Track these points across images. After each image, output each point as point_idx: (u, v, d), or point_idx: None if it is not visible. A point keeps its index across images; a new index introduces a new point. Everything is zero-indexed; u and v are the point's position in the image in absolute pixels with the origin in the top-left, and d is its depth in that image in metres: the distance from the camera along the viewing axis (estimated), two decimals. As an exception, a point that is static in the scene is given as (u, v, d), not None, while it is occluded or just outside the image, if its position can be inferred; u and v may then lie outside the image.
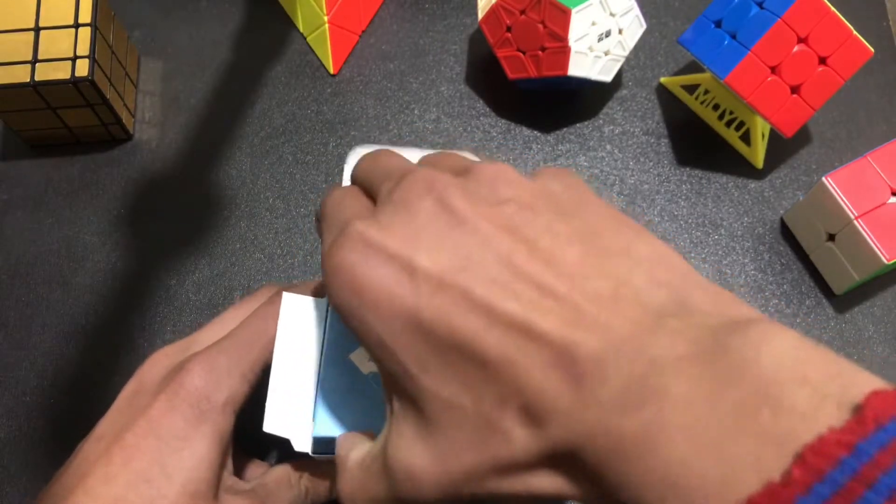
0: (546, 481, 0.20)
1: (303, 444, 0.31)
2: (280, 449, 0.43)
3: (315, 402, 0.31)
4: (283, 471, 0.35)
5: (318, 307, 0.33)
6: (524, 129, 0.52)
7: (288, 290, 0.33)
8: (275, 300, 0.33)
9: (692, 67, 0.54)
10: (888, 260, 0.43)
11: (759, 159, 0.51)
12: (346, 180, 0.32)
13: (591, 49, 0.47)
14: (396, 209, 0.24)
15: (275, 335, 0.32)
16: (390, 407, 0.24)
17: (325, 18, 0.52)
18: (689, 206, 0.50)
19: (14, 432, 0.44)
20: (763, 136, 0.50)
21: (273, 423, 0.31)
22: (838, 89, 0.47)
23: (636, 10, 0.48)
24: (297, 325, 0.32)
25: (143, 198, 0.49)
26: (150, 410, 0.30)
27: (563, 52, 0.46)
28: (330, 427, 0.30)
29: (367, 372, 0.31)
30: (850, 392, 0.17)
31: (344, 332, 0.31)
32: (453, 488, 0.21)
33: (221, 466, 0.31)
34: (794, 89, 0.46)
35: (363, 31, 0.55)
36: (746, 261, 0.49)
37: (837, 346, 0.47)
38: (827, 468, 0.15)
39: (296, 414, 0.31)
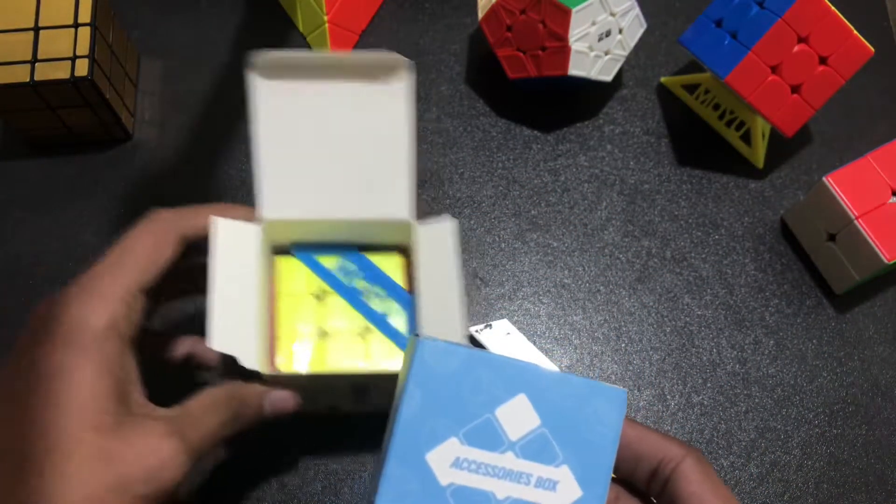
0: None
1: (250, 361, 0.30)
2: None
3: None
4: (208, 395, 0.32)
5: (250, 231, 0.34)
6: (524, 128, 0.52)
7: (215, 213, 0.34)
8: (150, 220, 0.33)
9: (693, 67, 0.54)
10: (888, 260, 0.43)
11: (759, 159, 0.51)
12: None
13: (591, 49, 0.47)
14: None
15: (150, 253, 0.32)
16: None
17: (325, 18, 0.52)
18: (689, 205, 0.50)
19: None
20: (763, 135, 0.50)
21: (218, 342, 0.30)
22: (839, 89, 0.47)
23: (636, 10, 0.48)
24: (231, 248, 0.32)
25: (143, 197, 0.49)
26: (32, 351, 0.28)
27: (564, 51, 0.46)
28: None
29: (445, 483, 0.24)
30: None
31: (425, 417, 0.24)
32: None
33: (121, 394, 0.29)
34: (795, 89, 0.46)
35: (363, 31, 0.55)
36: (747, 261, 0.49)
37: (838, 346, 0.47)
38: None
39: (239, 332, 0.30)
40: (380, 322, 0.39)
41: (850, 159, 0.46)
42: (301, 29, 0.55)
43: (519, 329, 0.46)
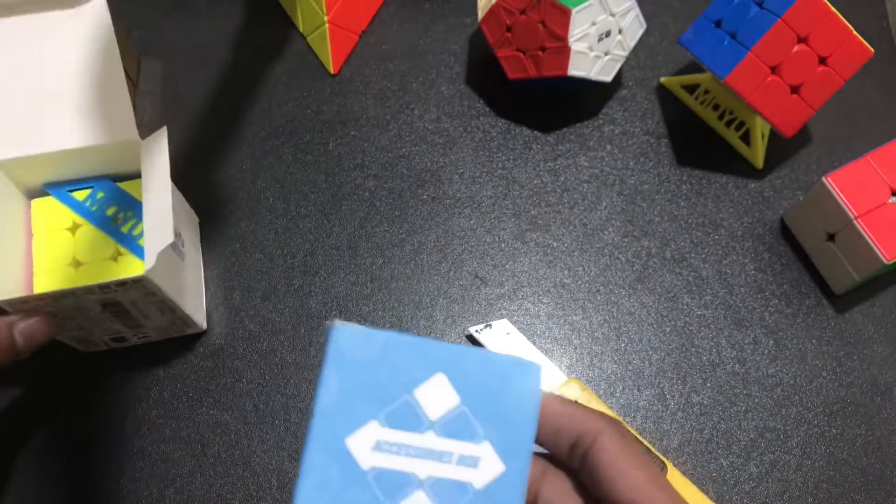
0: None
1: None
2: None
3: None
4: None
5: None
6: (524, 129, 0.52)
7: None
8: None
9: (692, 67, 0.54)
10: (888, 260, 0.43)
11: (759, 159, 0.51)
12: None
13: (591, 49, 0.47)
14: None
15: None
16: None
17: (325, 18, 0.52)
18: (689, 205, 0.50)
19: None
20: (763, 136, 0.50)
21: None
22: (838, 89, 0.47)
23: (636, 10, 0.48)
24: None
25: (144, 198, 0.49)
26: None
27: (563, 52, 0.46)
28: None
29: (367, 467, 0.24)
30: None
31: (343, 403, 0.24)
32: None
33: None
34: (794, 89, 0.46)
35: (363, 31, 0.55)
36: (746, 261, 0.49)
37: (837, 346, 0.47)
38: None
39: None
40: (131, 244, 0.43)
41: (850, 159, 0.46)
42: (301, 29, 0.55)
43: (519, 329, 0.46)
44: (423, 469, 0.24)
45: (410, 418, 0.24)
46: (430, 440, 0.24)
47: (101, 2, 0.40)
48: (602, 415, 0.26)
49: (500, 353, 0.25)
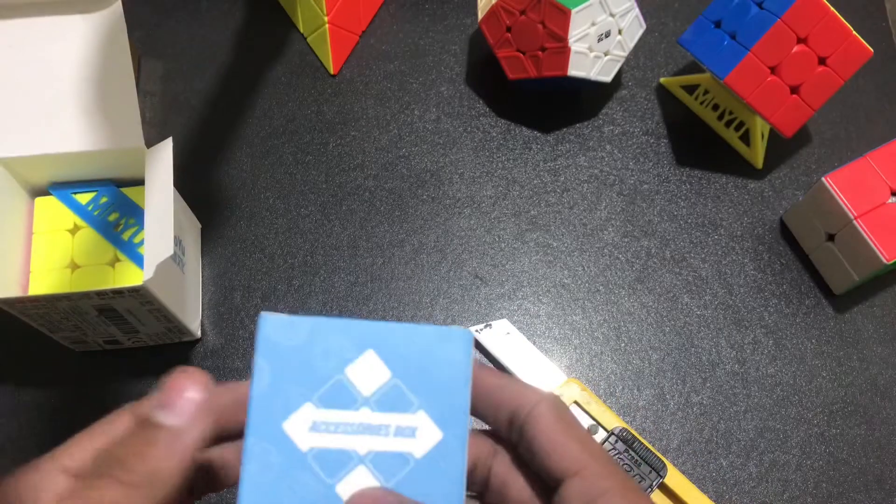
0: None
1: None
2: None
3: (240, 488, 0.24)
4: None
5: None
6: (524, 129, 0.52)
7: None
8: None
9: (692, 68, 0.54)
10: (887, 260, 0.43)
11: (758, 159, 0.51)
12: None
13: (590, 49, 0.47)
14: None
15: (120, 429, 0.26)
16: None
17: (326, 19, 0.52)
18: (688, 206, 0.50)
19: None
20: (763, 136, 0.50)
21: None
22: (838, 89, 0.47)
23: (636, 11, 0.48)
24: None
25: (144, 198, 0.49)
26: None
27: (563, 52, 0.46)
28: None
29: (306, 448, 0.24)
30: None
31: (276, 389, 0.24)
32: None
33: None
34: (794, 89, 0.46)
35: (363, 32, 0.55)
36: (746, 261, 0.49)
37: (837, 346, 0.47)
38: None
39: None
40: (130, 251, 0.43)
41: (849, 159, 0.46)
42: (301, 29, 0.55)
43: (519, 329, 0.46)
44: (361, 444, 0.24)
45: (344, 396, 0.24)
46: (365, 416, 0.24)
47: (118, 9, 0.40)
48: (537, 389, 0.26)
49: (427, 325, 0.25)
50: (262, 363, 0.24)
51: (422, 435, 0.24)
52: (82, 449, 0.25)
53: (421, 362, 0.25)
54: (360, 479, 0.24)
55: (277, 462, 0.24)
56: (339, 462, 0.24)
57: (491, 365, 0.45)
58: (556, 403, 0.25)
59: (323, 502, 0.24)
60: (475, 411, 0.26)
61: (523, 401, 0.25)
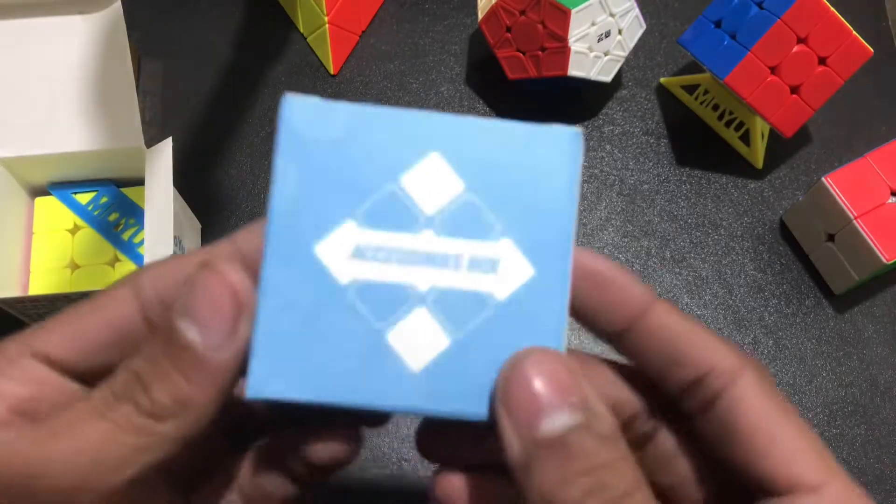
0: None
1: None
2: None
3: (254, 335, 0.18)
4: None
5: None
6: (524, 129, 0.52)
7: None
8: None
9: (692, 68, 0.54)
10: (887, 260, 0.43)
11: (758, 159, 0.51)
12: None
13: (590, 49, 0.47)
14: None
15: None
16: None
17: (325, 19, 0.52)
18: (688, 206, 0.50)
19: None
20: (763, 136, 0.50)
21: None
22: (838, 89, 0.47)
23: (636, 11, 0.48)
24: None
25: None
26: None
27: (563, 52, 0.46)
28: (277, 380, 0.18)
29: (346, 281, 0.18)
30: None
31: (305, 200, 0.18)
32: None
33: None
34: (794, 89, 0.46)
35: (363, 32, 0.55)
36: (746, 261, 0.49)
37: (837, 346, 0.47)
38: None
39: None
40: (130, 251, 0.43)
41: (849, 160, 0.46)
42: (301, 29, 0.55)
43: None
44: (422, 279, 0.18)
45: (399, 214, 0.18)
46: (428, 241, 0.18)
47: (117, 9, 0.40)
48: (736, 348, 0.20)
49: (515, 122, 0.19)
50: (285, 165, 0.18)
51: (506, 270, 0.18)
52: (71, 333, 0.20)
53: (506, 171, 0.18)
54: (419, 325, 0.18)
55: (306, 298, 0.18)
56: (392, 301, 0.18)
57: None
58: (763, 374, 0.19)
59: (368, 354, 0.18)
60: (634, 353, 0.20)
61: (720, 364, 0.19)
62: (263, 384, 0.17)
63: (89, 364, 0.20)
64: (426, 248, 0.18)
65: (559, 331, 0.18)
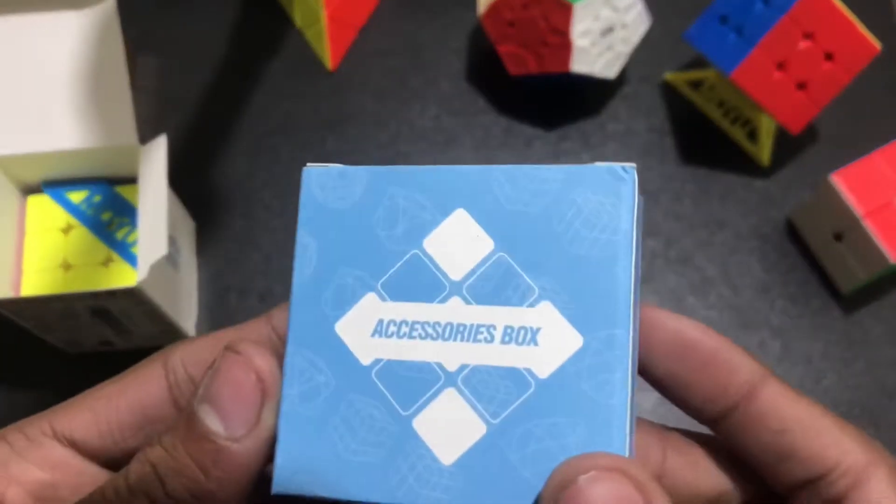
0: None
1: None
2: None
3: (278, 424, 0.17)
4: None
5: None
6: (526, 126, 0.51)
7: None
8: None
9: (697, 63, 0.53)
10: (894, 260, 0.42)
11: (765, 157, 0.50)
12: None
13: (593, 45, 0.46)
14: None
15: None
16: None
17: (324, 14, 0.51)
18: (693, 204, 0.49)
19: None
20: (769, 133, 0.50)
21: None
22: (845, 86, 0.46)
23: (640, 5, 0.48)
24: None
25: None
26: None
27: (566, 47, 0.46)
28: (302, 475, 0.16)
29: (368, 361, 0.17)
30: None
31: (325, 275, 0.17)
32: None
33: None
34: (801, 86, 0.46)
35: (362, 27, 0.55)
36: (752, 261, 0.48)
37: (844, 348, 0.46)
38: None
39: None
40: (124, 251, 0.42)
41: (857, 157, 0.45)
42: (298, 24, 0.54)
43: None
44: (450, 355, 0.16)
45: (422, 282, 0.16)
46: (455, 310, 0.16)
47: (111, 4, 0.39)
48: (862, 438, 0.17)
49: (551, 165, 0.16)
50: (305, 237, 0.17)
51: (547, 340, 0.16)
52: (96, 414, 0.19)
53: (543, 225, 0.16)
54: (449, 410, 0.16)
55: (327, 383, 0.16)
56: (418, 382, 0.16)
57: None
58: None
59: (394, 446, 0.16)
60: (736, 442, 0.17)
61: (843, 460, 0.17)
62: (289, 479, 0.16)
63: (115, 447, 0.19)
64: (453, 318, 0.16)
65: (620, 418, 0.15)
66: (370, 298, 0.17)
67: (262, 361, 0.16)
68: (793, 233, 0.49)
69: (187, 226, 0.47)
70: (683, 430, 0.19)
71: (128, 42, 0.52)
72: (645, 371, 0.18)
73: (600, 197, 0.16)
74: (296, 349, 0.17)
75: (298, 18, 0.54)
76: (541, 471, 0.15)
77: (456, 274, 0.16)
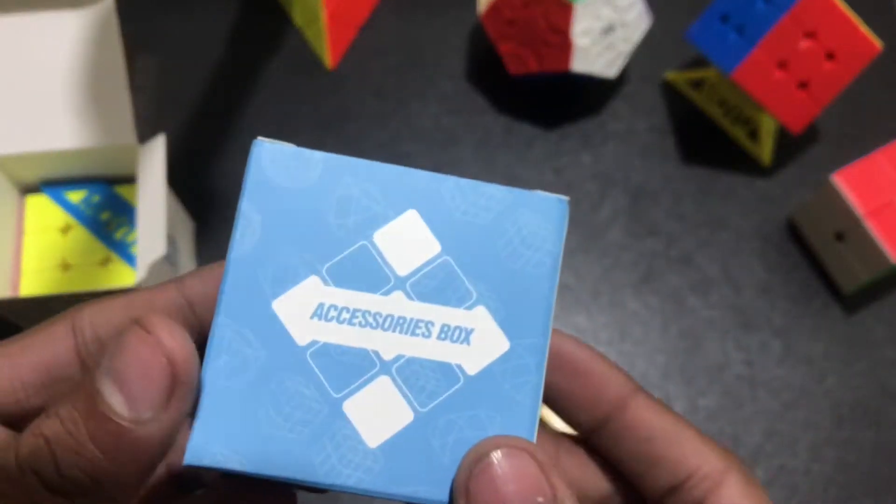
0: None
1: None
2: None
3: (200, 394, 0.16)
4: None
5: None
6: (526, 126, 0.51)
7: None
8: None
9: (698, 63, 0.53)
10: (895, 260, 0.42)
11: (766, 157, 0.50)
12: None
13: (594, 44, 0.46)
14: None
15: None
16: None
17: (323, 13, 0.51)
18: (695, 204, 0.49)
19: None
20: (770, 133, 0.50)
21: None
22: (846, 85, 0.46)
23: (641, 5, 0.47)
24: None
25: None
26: None
27: (566, 47, 0.46)
28: (218, 448, 0.16)
29: (304, 342, 0.17)
30: None
31: (267, 250, 0.17)
32: None
33: None
34: (802, 85, 0.45)
35: (362, 26, 0.54)
36: (753, 261, 0.48)
37: (846, 348, 0.46)
38: None
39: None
40: (122, 251, 0.42)
41: (858, 157, 0.45)
42: (298, 23, 0.54)
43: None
44: (387, 345, 0.17)
45: (368, 273, 0.17)
46: (397, 304, 0.17)
47: (109, 4, 0.39)
48: (719, 448, 0.19)
49: (501, 186, 0.18)
50: (249, 210, 0.17)
51: (479, 342, 0.17)
52: None
53: (486, 236, 0.17)
54: (380, 396, 0.16)
55: (258, 358, 0.16)
56: (352, 367, 0.17)
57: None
58: (749, 479, 0.19)
59: (321, 425, 0.16)
60: (611, 451, 0.19)
61: (701, 466, 0.18)
62: (203, 451, 0.16)
63: (16, 407, 0.18)
64: (395, 311, 0.17)
65: (532, 414, 0.17)
66: (314, 281, 0.17)
67: (175, 342, 0.15)
68: (794, 233, 0.49)
69: (186, 226, 0.46)
70: (572, 436, 0.21)
71: (127, 41, 0.52)
72: None
73: (540, 221, 0.17)
74: (226, 321, 0.16)
75: (298, 17, 0.54)
76: (459, 457, 0.16)
77: (402, 270, 0.17)
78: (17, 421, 0.18)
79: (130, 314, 0.17)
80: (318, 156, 0.17)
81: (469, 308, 0.17)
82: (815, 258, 0.48)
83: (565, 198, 0.18)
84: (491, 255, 0.17)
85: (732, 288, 0.47)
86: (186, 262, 0.45)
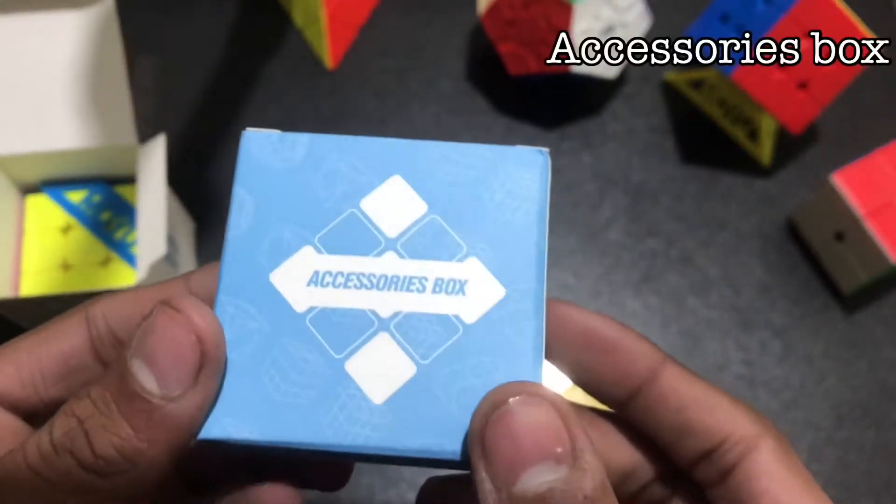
0: None
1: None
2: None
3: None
4: None
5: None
6: (526, 126, 0.51)
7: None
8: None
9: (698, 63, 0.53)
10: (895, 261, 0.42)
11: (766, 157, 0.50)
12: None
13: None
14: None
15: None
16: None
17: (323, 13, 0.51)
18: (694, 204, 0.49)
19: None
20: (770, 133, 0.50)
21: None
22: (846, 86, 0.46)
23: (641, 5, 0.47)
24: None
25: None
26: None
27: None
28: (226, 420, 0.16)
29: (302, 309, 0.17)
30: None
31: (262, 228, 0.18)
32: None
33: None
34: (802, 85, 0.45)
35: (362, 26, 0.54)
36: (753, 261, 0.48)
37: (845, 348, 0.46)
38: None
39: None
40: (123, 251, 0.42)
41: (858, 157, 0.45)
42: (298, 23, 0.54)
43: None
44: (384, 304, 0.17)
45: (359, 238, 0.18)
46: (390, 264, 0.17)
47: (110, 4, 0.39)
48: (753, 413, 0.19)
49: (478, 144, 0.18)
50: (242, 193, 0.18)
51: (474, 291, 0.17)
52: (16, 365, 0.18)
53: (469, 193, 0.18)
54: (381, 353, 0.17)
55: (260, 329, 0.17)
56: (352, 328, 0.17)
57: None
58: (784, 444, 0.18)
59: (326, 387, 0.16)
60: (643, 421, 0.19)
61: (734, 432, 0.18)
62: (212, 424, 0.16)
63: (36, 398, 0.18)
64: (388, 271, 0.17)
65: (536, 356, 0.17)
66: (307, 251, 0.17)
67: (204, 321, 0.16)
68: (794, 233, 0.49)
69: (186, 226, 0.47)
70: (595, 409, 0.21)
71: (127, 42, 0.52)
72: (557, 361, 0.20)
73: (523, 172, 0.18)
74: (227, 298, 0.17)
75: (298, 18, 0.54)
76: (466, 405, 0.16)
77: (391, 231, 0.18)
78: (31, 416, 0.19)
79: (141, 307, 0.17)
80: (302, 137, 0.18)
81: (461, 260, 0.17)
82: (815, 258, 0.48)
83: (546, 149, 0.19)
84: (478, 209, 0.18)
85: (732, 288, 0.47)
86: (186, 261, 0.45)
